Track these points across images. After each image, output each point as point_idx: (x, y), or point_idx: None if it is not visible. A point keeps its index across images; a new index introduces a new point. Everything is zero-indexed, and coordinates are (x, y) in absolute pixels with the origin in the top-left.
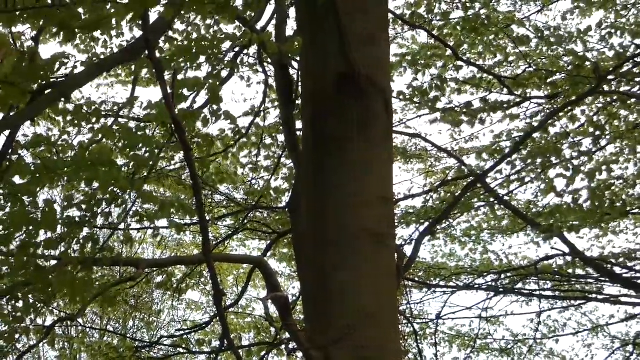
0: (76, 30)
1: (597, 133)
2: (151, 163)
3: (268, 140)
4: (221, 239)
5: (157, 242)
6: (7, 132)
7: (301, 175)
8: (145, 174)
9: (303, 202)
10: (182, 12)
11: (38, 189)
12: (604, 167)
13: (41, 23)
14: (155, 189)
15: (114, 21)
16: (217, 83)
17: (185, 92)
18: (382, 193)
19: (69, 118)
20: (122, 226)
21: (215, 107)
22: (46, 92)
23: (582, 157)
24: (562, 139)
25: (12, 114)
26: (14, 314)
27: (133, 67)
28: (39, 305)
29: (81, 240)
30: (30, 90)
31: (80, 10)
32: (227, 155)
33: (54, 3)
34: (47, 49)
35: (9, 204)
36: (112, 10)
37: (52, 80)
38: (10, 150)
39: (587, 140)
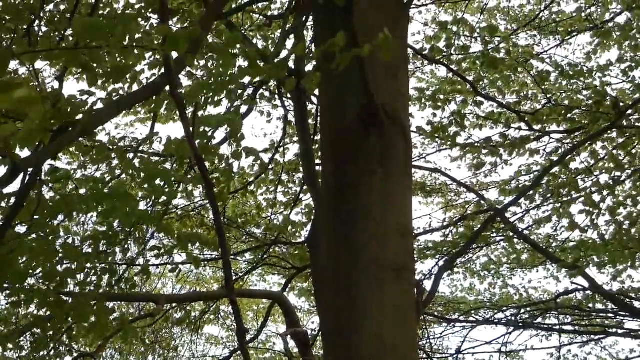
0: (99, 77)
1: (616, 173)
2: (168, 194)
3: (285, 177)
4: (241, 274)
5: (177, 277)
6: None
7: (321, 210)
8: (164, 207)
9: (324, 236)
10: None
11: (57, 224)
12: (629, 201)
13: (62, 61)
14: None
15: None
16: (238, 118)
17: (207, 128)
18: (402, 227)
19: (91, 155)
20: (140, 261)
21: (235, 145)
22: (68, 129)
23: (604, 191)
24: (584, 174)
25: (33, 151)
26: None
27: (153, 104)
28: (57, 344)
29: (99, 272)
30: (52, 128)
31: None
32: (246, 193)
33: (77, 45)
34: (70, 84)
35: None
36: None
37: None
38: (31, 187)
39: (607, 175)
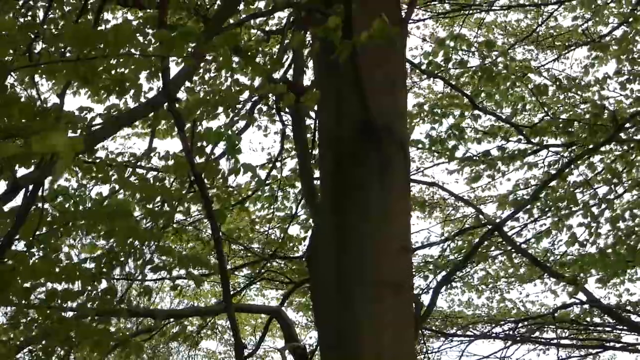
0: (100, 89)
1: (615, 181)
2: (167, 214)
3: (280, 194)
4: (239, 289)
5: (177, 292)
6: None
7: (319, 224)
8: (163, 225)
9: (322, 251)
10: (203, 64)
11: (58, 241)
12: (627, 214)
13: (62, 75)
14: (171, 244)
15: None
16: (236, 133)
17: (205, 143)
18: (401, 242)
19: (93, 174)
20: (139, 277)
21: (233, 160)
22: None
23: (602, 204)
24: (582, 187)
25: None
26: None
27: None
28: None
29: (99, 293)
30: None
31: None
32: (242, 209)
33: (77, 57)
34: (67, 99)
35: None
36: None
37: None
38: (32, 204)
39: (605, 188)
